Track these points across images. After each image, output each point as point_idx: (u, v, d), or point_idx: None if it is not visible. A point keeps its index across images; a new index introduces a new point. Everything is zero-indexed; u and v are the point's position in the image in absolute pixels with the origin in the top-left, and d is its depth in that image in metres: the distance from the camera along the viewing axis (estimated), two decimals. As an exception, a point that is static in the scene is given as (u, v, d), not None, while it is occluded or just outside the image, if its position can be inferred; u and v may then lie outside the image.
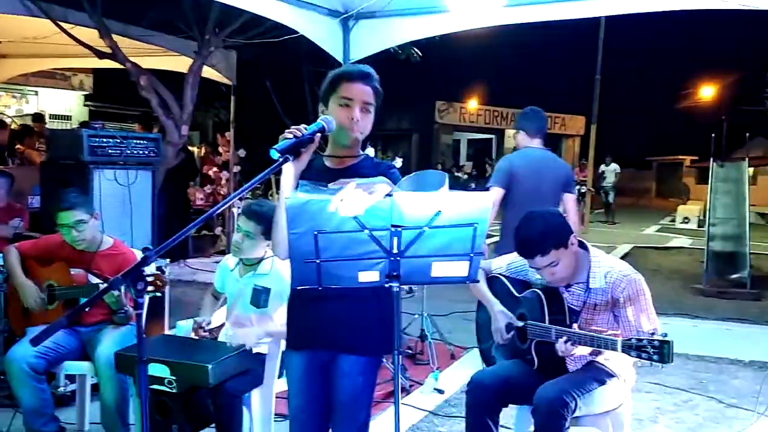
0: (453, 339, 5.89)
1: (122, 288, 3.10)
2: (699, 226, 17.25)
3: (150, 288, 2.44)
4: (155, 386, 2.98)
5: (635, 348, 2.55)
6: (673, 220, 20.12)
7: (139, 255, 2.01)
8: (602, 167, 19.46)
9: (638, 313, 2.86)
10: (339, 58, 5.72)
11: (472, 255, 2.00)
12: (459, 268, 2.03)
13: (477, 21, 5.43)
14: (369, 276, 2.03)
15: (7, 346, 3.88)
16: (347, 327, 2.38)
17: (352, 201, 1.90)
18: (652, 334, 2.55)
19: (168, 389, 2.99)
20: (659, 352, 2.49)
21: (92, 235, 3.68)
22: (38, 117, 11.75)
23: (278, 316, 3.37)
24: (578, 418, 2.95)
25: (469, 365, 5.05)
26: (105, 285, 3.35)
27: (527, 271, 3.17)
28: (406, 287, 5.15)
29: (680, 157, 32.25)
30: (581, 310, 2.98)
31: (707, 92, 30.81)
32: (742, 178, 9.35)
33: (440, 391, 4.68)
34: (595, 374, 2.96)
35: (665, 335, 2.52)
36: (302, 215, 1.94)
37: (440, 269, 2.04)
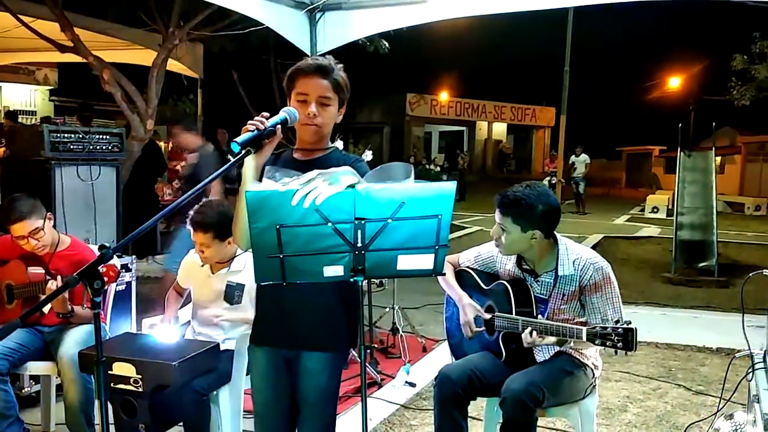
0: (425, 332, 5.90)
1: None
2: (668, 216, 17.46)
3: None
4: (121, 385, 2.93)
5: (600, 336, 2.57)
6: (643, 210, 20.34)
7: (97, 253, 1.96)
8: (572, 158, 19.61)
9: (604, 300, 2.88)
10: (306, 50, 5.62)
11: (437, 247, 1.98)
12: (424, 261, 2.01)
13: (447, 12, 5.34)
14: (334, 270, 2.00)
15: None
16: (309, 325, 2.34)
17: (315, 191, 1.86)
18: (617, 322, 2.57)
19: (134, 388, 2.94)
20: (623, 339, 2.52)
21: (51, 238, 3.59)
22: (11, 114, 11.53)
23: (250, 312, 3.35)
24: (547, 409, 2.96)
25: (441, 358, 5.04)
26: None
27: (495, 263, 3.17)
28: (376, 281, 5.13)
29: (649, 147, 32.56)
30: (549, 299, 2.98)
31: (674, 83, 31.22)
32: (709, 168, 9.44)
33: (412, 385, 4.67)
34: (563, 364, 2.96)
35: (629, 322, 2.55)
36: (263, 208, 1.90)
37: (406, 262, 2.01)
